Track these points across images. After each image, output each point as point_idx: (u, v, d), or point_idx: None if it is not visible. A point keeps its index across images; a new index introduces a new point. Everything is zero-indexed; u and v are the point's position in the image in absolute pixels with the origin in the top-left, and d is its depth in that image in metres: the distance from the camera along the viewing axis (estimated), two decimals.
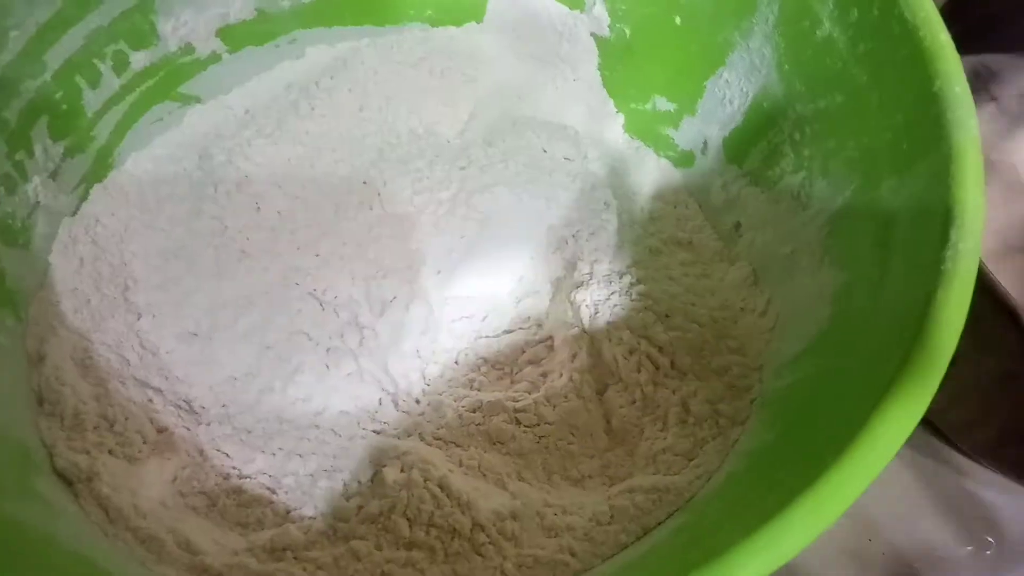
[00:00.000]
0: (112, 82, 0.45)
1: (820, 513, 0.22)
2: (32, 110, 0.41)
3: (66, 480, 0.34)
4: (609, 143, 0.50)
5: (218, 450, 0.38)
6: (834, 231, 0.36)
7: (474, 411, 0.38)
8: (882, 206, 0.33)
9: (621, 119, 0.51)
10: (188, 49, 0.48)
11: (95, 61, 0.44)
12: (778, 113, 0.41)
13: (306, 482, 0.36)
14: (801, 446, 0.28)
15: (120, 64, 0.45)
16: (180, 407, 0.39)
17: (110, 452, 0.36)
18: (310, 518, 0.34)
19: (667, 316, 0.39)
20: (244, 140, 0.45)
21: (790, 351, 0.36)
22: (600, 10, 0.49)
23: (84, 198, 0.44)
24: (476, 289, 0.43)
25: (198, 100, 0.49)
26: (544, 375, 0.40)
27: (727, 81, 0.44)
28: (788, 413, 0.32)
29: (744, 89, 0.43)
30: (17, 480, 0.31)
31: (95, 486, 0.34)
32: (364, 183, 0.42)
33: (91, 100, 0.44)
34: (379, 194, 0.42)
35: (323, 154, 0.44)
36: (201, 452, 0.37)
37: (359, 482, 0.35)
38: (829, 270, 0.35)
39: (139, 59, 0.46)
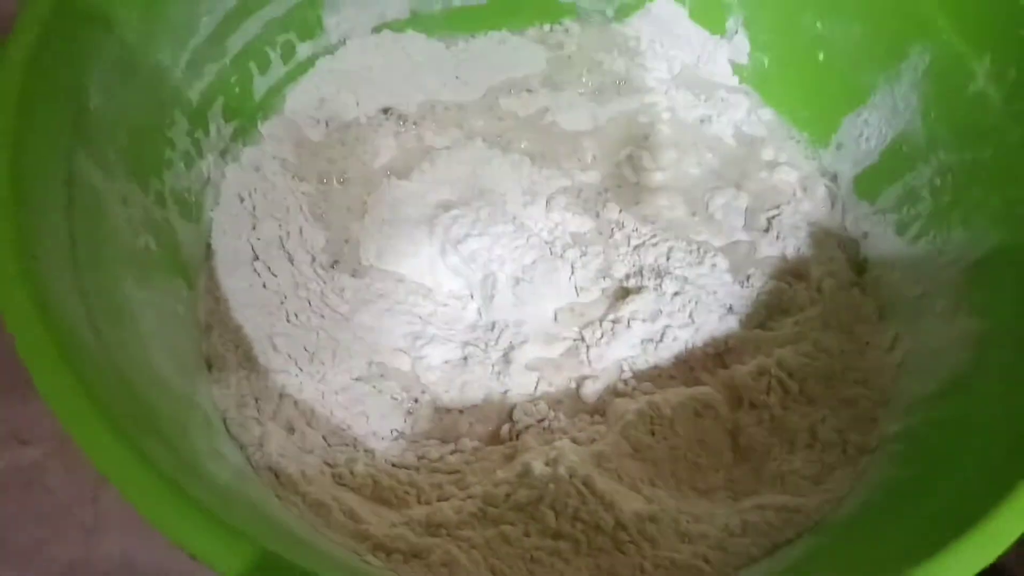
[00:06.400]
0: (279, 69, 0.47)
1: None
2: (211, 91, 0.44)
3: (239, 444, 0.37)
4: None
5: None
6: (974, 280, 0.38)
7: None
8: None
9: None
10: (344, 44, 0.50)
11: (267, 49, 0.46)
12: (918, 158, 0.42)
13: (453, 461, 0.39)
14: (949, 491, 0.30)
15: (288, 53, 0.48)
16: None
17: (272, 419, 0.39)
18: (460, 500, 0.37)
19: (798, 342, 0.41)
20: None
21: (921, 390, 0.37)
22: (742, 38, 0.51)
23: None
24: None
25: None
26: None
27: (866, 120, 0.46)
28: (927, 452, 0.34)
29: (883, 130, 0.45)
30: (209, 444, 0.34)
31: (266, 451, 0.37)
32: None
33: (259, 85, 0.47)
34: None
35: None
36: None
37: (504, 471, 0.38)
38: (967, 317, 0.37)
39: (304, 49, 0.48)
